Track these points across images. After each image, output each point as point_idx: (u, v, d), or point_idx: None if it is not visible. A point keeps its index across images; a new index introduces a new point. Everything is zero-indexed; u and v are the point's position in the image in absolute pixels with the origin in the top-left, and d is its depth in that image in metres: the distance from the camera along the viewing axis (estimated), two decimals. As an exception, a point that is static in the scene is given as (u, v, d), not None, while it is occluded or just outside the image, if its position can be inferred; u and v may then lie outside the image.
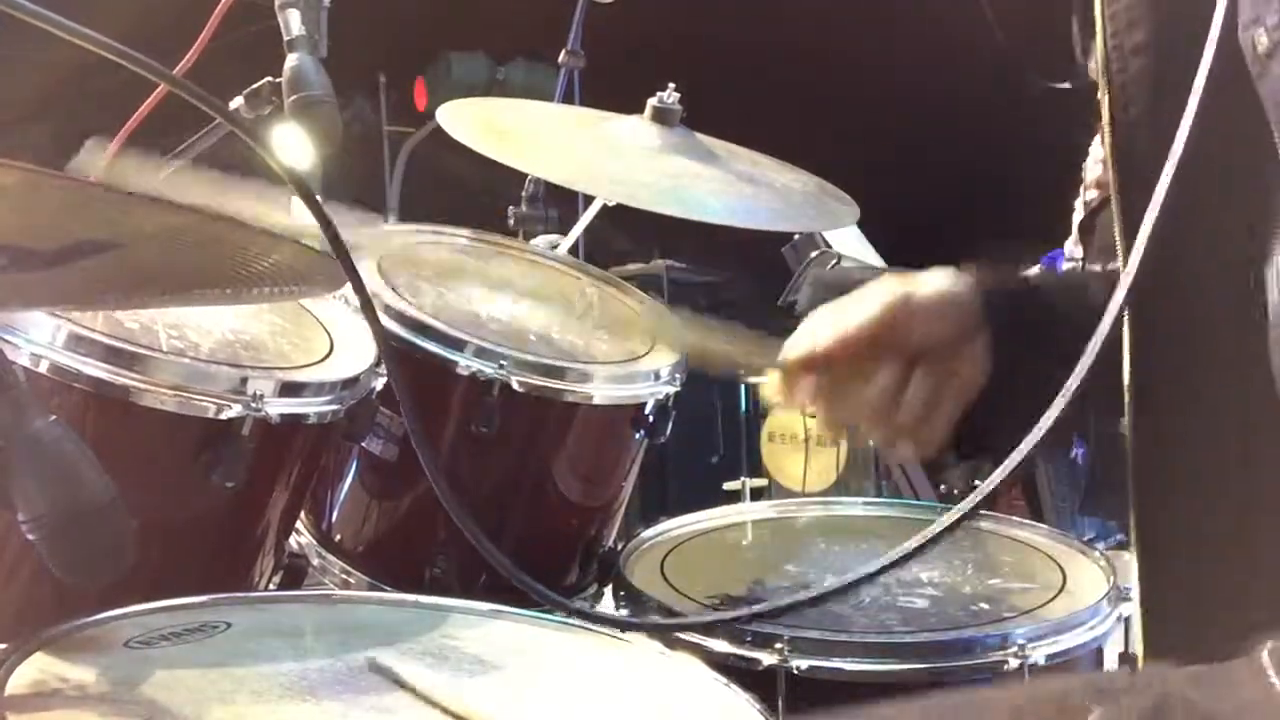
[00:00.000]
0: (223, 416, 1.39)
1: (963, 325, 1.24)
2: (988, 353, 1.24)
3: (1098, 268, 1.31)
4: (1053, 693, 1.12)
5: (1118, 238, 1.12)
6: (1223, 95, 1.02)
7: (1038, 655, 1.52)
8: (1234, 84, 1.02)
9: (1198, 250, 1.10)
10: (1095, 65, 1.12)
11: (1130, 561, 1.20)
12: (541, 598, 1.30)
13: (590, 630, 1.33)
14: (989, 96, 4.35)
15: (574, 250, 2.31)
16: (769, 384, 1.30)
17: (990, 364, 1.24)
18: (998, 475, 1.06)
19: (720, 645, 1.56)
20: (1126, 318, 1.13)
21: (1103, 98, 1.13)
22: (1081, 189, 3.16)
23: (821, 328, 1.26)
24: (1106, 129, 1.13)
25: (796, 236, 3.21)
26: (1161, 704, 0.91)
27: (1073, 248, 3.18)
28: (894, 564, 1.13)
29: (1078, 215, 3.17)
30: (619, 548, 1.89)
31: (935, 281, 1.26)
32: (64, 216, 0.88)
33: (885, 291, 1.25)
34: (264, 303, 1.53)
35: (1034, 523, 2.00)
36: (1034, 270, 2.38)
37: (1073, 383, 0.99)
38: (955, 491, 3.24)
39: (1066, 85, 1.15)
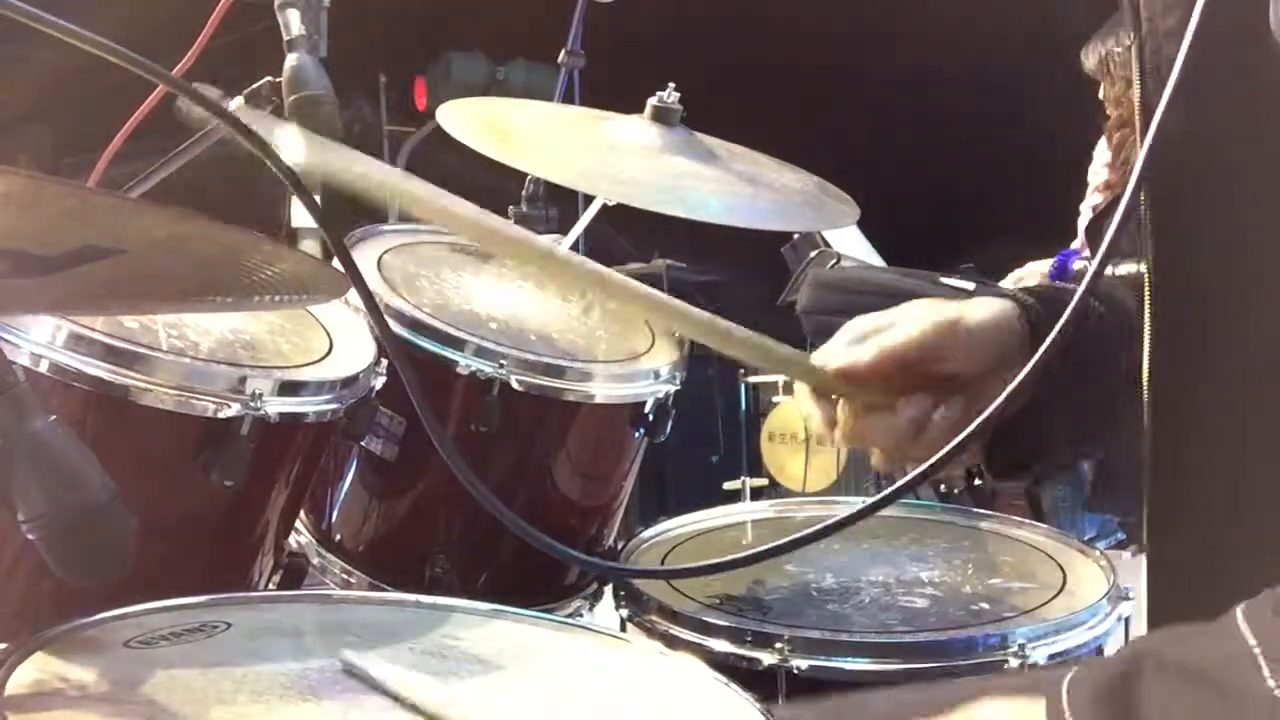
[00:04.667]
0: (222, 415, 1.39)
1: (1003, 355, 1.23)
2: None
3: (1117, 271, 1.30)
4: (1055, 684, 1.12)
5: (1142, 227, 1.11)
6: (1250, 89, 1.01)
7: (1038, 655, 1.52)
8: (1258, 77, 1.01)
9: (1222, 246, 1.10)
10: (1093, 63, 1.12)
11: (1130, 562, 1.20)
12: (569, 559, 1.30)
13: (590, 630, 1.33)
14: (990, 96, 4.35)
15: (574, 250, 2.31)
16: (800, 393, 1.30)
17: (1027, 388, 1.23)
18: (950, 446, 1.05)
19: (720, 645, 1.57)
20: (1148, 315, 1.13)
21: (1135, 81, 1.12)
22: (1087, 192, 3.15)
23: (864, 342, 1.24)
24: (1137, 113, 1.12)
25: (796, 236, 3.21)
26: (1135, 660, 0.91)
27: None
28: (816, 535, 1.12)
29: (1083, 219, 3.16)
30: (619, 547, 1.89)
31: (983, 309, 1.25)
32: (67, 222, 0.88)
33: (934, 313, 1.24)
34: (266, 310, 1.53)
35: (1034, 523, 2.00)
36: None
37: (1024, 374, 0.98)
38: (955, 491, 3.24)
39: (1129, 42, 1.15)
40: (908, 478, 1.07)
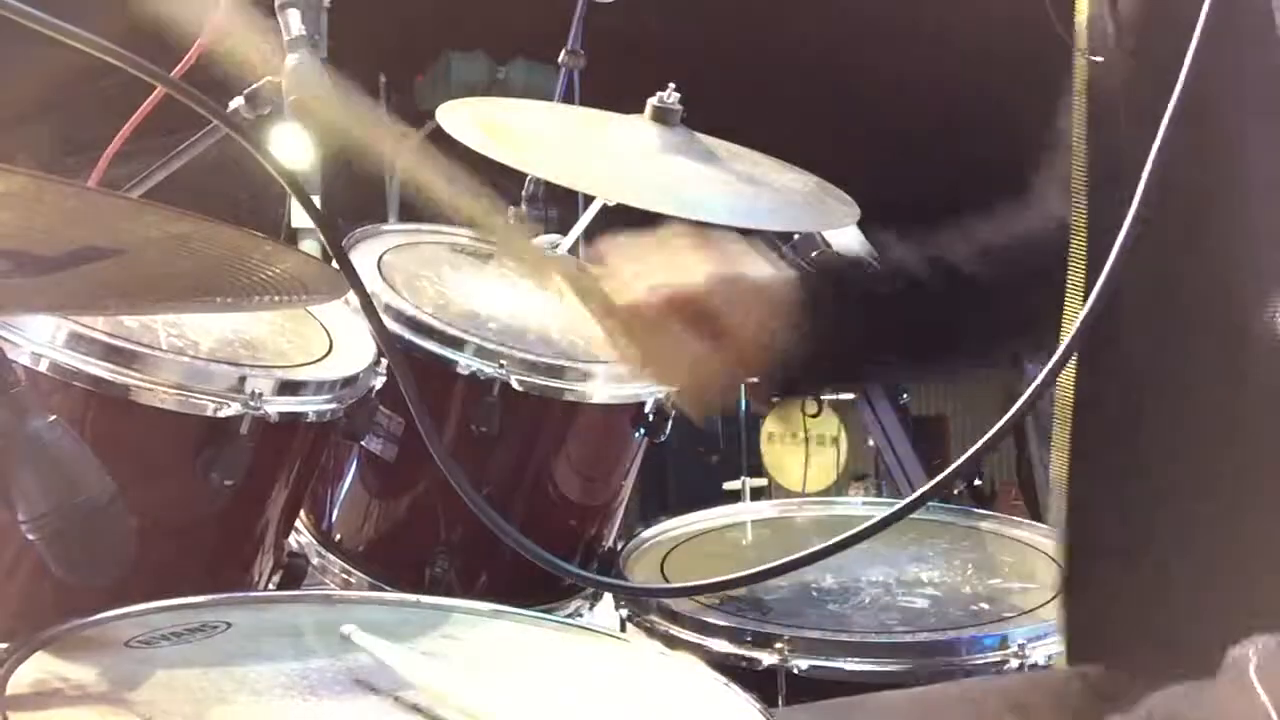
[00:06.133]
0: (221, 415, 1.39)
1: (774, 315, 1.31)
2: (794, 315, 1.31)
3: None
4: (1050, 688, 1.12)
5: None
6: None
7: (1038, 655, 1.53)
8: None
9: (1171, 259, 1.10)
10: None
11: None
12: (558, 570, 1.33)
13: (590, 630, 1.33)
14: (992, 96, 4.35)
15: (574, 250, 2.31)
16: (570, 303, 1.37)
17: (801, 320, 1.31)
18: (956, 465, 1.06)
19: (720, 645, 1.57)
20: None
21: (1079, 98, 1.13)
22: None
23: (654, 287, 1.31)
24: (1083, 129, 1.13)
25: (796, 236, 3.21)
26: None
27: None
28: (829, 550, 1.14)
29: None
30: (619, 547, 1.89)
31: (764, 270, 1.34)
32: (67, 222, 0.88)
33: (721, 268, 1.31)
34: (266, 310, 1.53)
35: (1034, 523, 2.00)
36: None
37: (1043, 376, 0.99)
38: (956, 492, 3.24)
39: (1099, 59, 1.17)
40: (924, 489, 1.09)
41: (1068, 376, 1.15)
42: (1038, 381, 0.99)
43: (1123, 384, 1.13)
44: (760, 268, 1.33)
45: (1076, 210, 1.13)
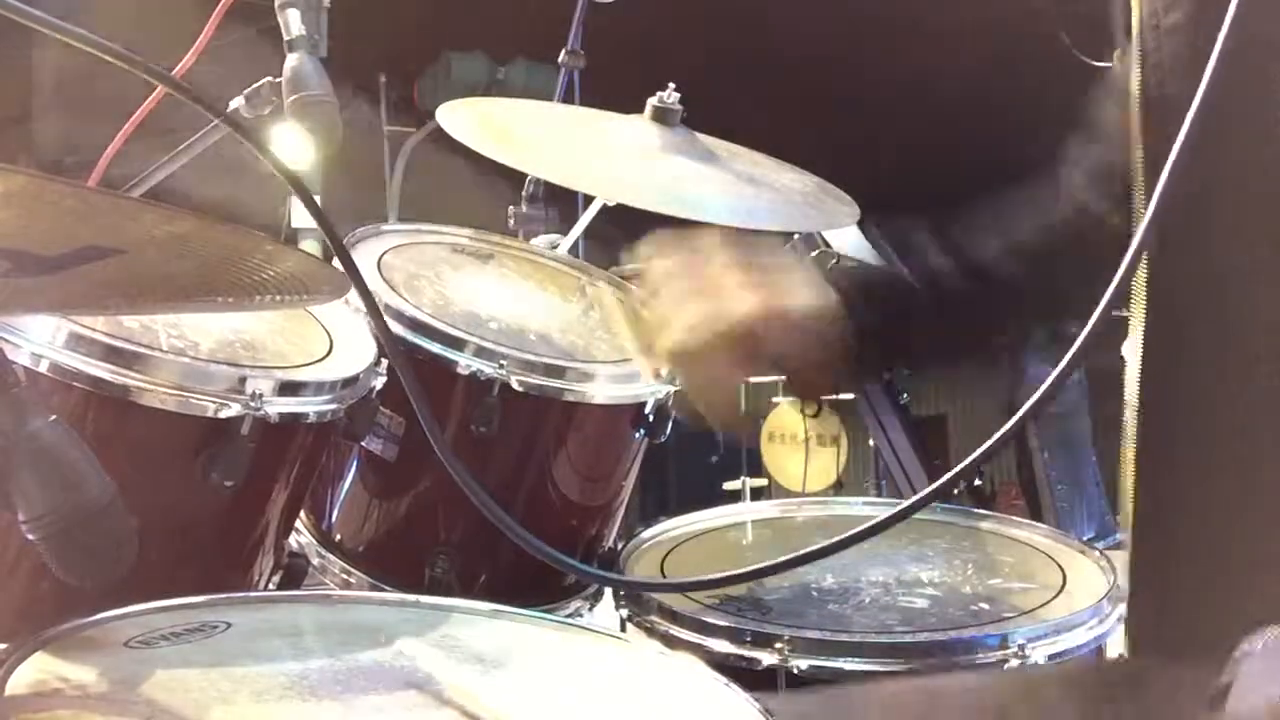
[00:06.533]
0: (222, 416, 1.39)
1: (822, 342, 1.30)
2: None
3: None
4: (1061, 680, 1.12)
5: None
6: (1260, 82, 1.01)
7: (1038, 655, 1.52)
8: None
9: (1225, 236, 1.10)
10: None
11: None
12: (564, 566, 1.32)
13: (590, 630, 1.33)
14: (992, 96, 4.34)
15: (574, 250, 2.31)
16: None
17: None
18: (971, 459, 1.06)
19: (720, 645, 1.57)
20: (1141, 314, 1.14)
21: (1135, 77, 1.12)
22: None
23: (695, 327, 1.30)
24: (1138, 109, 1.12)
25: (796, 236, 3.21)
26: None
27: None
28: (837, 546, 1.13)
29: None
30: (619, 547, 1.89)
31: (805, 297, 1.32)
32: (68, 222, 0.88)
33: (761, 301, 1.29)
34: (267, 310, 1.53)
35: (1034, 523, 2.00)
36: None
37: (1050, 381, 0.99)
38: (955, 491, 3.24)
39: (1107, 65, 1.16)
40: (924, 492, 1.08)
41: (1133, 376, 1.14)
42: (1045, 386, 0.99)
43: (1191, 382, 1.13)
44: (805, 295, 1.32)
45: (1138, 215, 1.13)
